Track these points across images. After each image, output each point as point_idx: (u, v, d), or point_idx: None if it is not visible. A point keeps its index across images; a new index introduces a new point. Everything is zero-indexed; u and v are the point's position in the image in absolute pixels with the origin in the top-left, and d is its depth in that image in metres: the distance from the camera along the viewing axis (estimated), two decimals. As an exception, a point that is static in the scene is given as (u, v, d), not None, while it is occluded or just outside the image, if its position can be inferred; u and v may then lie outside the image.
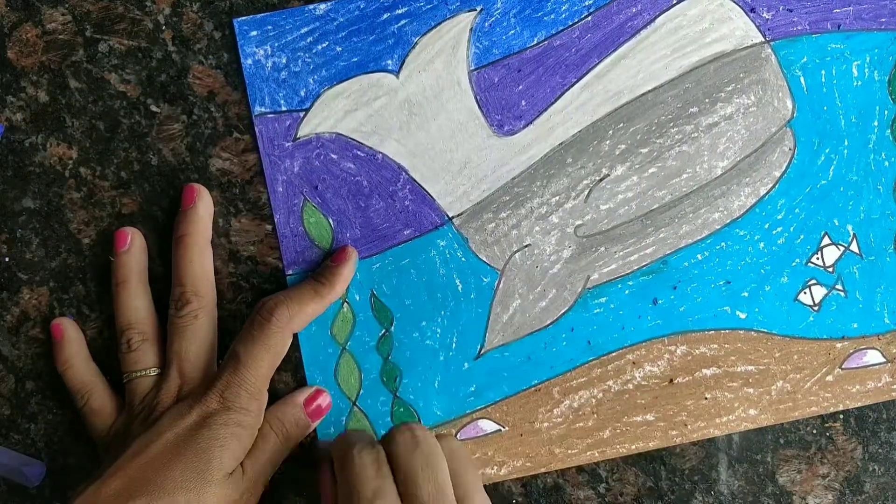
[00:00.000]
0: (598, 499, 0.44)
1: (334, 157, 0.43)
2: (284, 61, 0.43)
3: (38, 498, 0.44)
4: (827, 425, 0.43)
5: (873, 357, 0.43)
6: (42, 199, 0.43)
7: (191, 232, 0.42)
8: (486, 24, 0.43)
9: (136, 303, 0.42)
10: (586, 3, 0.43)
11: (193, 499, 0.37)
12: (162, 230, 0.43)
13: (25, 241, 0.43)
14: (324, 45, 0.43)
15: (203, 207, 0.42)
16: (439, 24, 0.43)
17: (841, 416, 0.43)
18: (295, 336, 0.43)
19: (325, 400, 0.42)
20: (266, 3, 0.43)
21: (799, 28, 0.43)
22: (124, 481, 0.37)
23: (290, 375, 0.43)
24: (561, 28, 0.43)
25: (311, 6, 0.43)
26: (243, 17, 0.43)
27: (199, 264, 0.42)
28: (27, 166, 0.43)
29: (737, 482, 0.44)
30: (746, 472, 0.44)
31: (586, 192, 0.43)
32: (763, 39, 0.43)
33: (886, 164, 0.43)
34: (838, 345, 0.43)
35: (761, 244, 0.43)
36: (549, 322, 0.43)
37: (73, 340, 0.43)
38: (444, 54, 0.43)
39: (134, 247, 0.42)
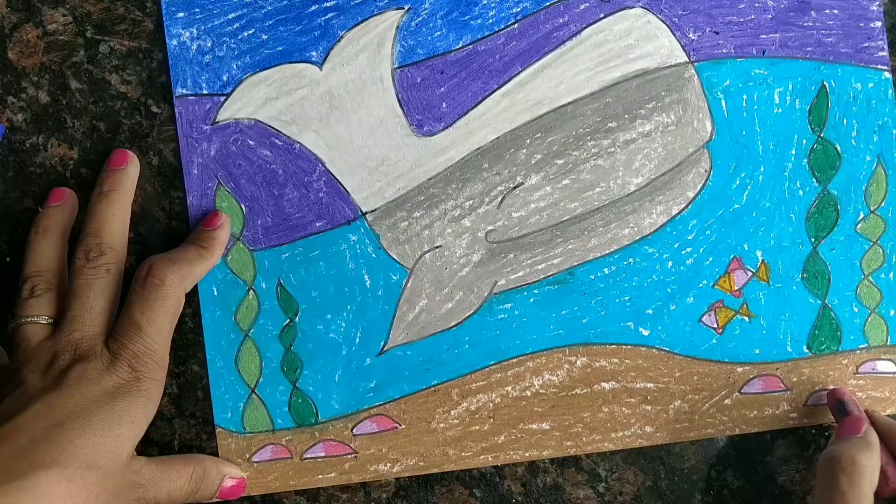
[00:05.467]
0: (598, 498, 0.44)
1: (251, 143, 0.43)
2: (209, 45, 0.43)
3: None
4: (826, 425, 0.43)
5: (885, 367, 0.43)
6: (43, 200, 0.43)
7: (118, 189, 0.42)
8: (413, 23, 0.43)
9: (51, 253, 0.41)
10: (513, 11, 0.43)
11: (100, 479, 0.36)
12: (159, 228, 0.44)
13: (26, 241, 0.43)
14: (250, 31, 0.43)
15: (133, 170, 0.43)
16: (366, 19, 0.43)
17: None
18: (197, 318, 0.43)
19: (240, 492, 0.43)
20: None
21: (724, 51, 0.43)
22: (28, 440, 0.35)
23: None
24: (487, 33, 0.43)
25: (241, -8, 0.43)
26: (171, -2, 0.43)
27: (121, 220, 0.42)
28: (28, 167, 0.43)
29: (736, 482, 0.44)
30: (746, 472, 0.44)
31: (500, 199, 0.43)
32: (687, 59, 0.43)
33: (801, 193, 0.43)
34: (739, 369, 0.43)
35: (669, 263, 0.43)
36: (453, 324, 0.43)
37: None
38: (369, 50, 0.43)
39: (66, 204, 0.42)
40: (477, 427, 0.43)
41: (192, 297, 0.43)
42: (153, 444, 0.44)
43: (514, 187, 0.43)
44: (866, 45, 0.43)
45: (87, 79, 0.43)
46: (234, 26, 0.43)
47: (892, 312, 0.43)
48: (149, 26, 0.43)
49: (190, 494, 0.41)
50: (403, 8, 0.43)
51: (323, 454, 0.43)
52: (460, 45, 0.43)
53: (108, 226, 0.41)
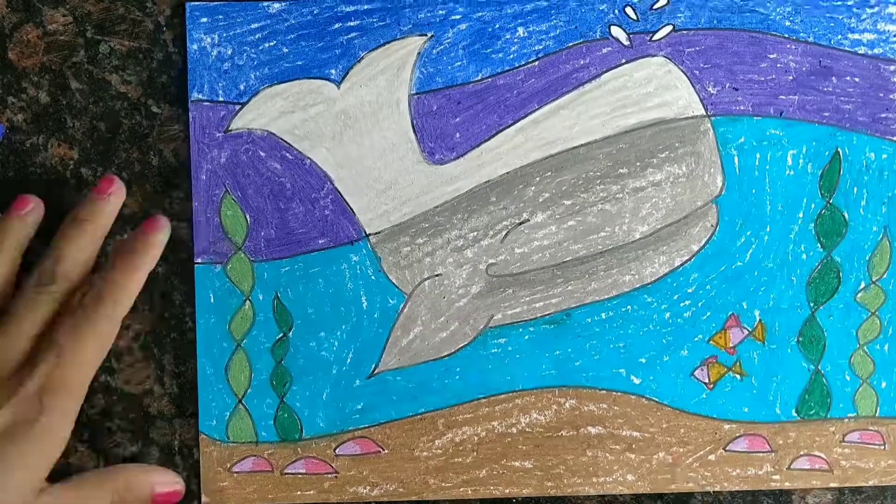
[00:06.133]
0: (598, 498, 0.44)
1: (262, 154, 0.43)
2: (230, 53, 0.43)
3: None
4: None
5: (872, 438, 0.43)
6: (43, 200, 0.43)
7: (93, 220, 0.40)
8: (435, 51, 0.43)
9: (1, 269, 0.39)
10: (536, 48, 0.43)
11: None
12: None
13: None
14: (271, 43, 0.43)
15: (116, 200, 0.41)
16: (389, 42, 0.43)
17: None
18: (192, 323, 0.43)
19: (176, 498, 0.41)
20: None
21: (741, 108, 0.43)
22: None
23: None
24: (507, 68, 0.43)
25: (266, 3, 0.43)
26: (196, 3, 0.43)
27: (87, 253, 0.40)
28: (28, 167, 0.43)
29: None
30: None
31: (504, 233, 0.43)
32: (704, 113, 0.43)
33: (804, 257, 0.43)
34: (726, 426, 0.43)
35: (667, 314, 0.43)
36: (446, 353, 0.43)
37: None
38: (388, 73, 0.43)
39: (29, 217, 0.40)
40: (459, 459, 0.43)
41: (189, 301, 0.43)
42: (153, 445, 0.43)
43: (520, 223, 0.43)
44: (884, 115, 0.43)
45: (87, 79, 0.43)
46: (256, 36, 0.43)
47: (883, 384, 0.43)
48: (149, 26, 0.43)
49: None
50: (426, 35, 0.43)
51: (304, 471, 0.43)
52: (479, 78, 0.43)
53: (72, 255, 0.39)
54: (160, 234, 0.41)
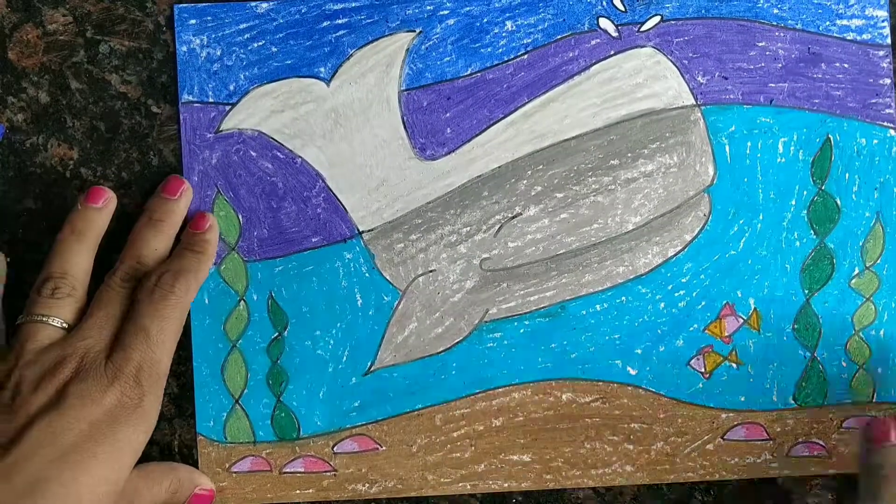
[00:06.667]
0: (598, 498, 0.44)
1: (253, 154, 0.43)
2: (219, 53, 0.43)
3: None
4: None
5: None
6: (43, 200, 0.43)
7: (167, 220, 0.42)
8: (424, 47, 0.43)
9: (81, 258, 0.41)
10: (524, 42, 0.43)
11: None
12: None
13: (27, 241, 0.43)
14: (260, 43, 0.43)
15: (185, 201, 0.42)
16: (377, 39, 0.43)
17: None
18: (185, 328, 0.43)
19: (210, 500, 0.43)
20: None
21: (731, 97, 0.43)
22: (35, 476, 0.35)
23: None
24: (496, 62, 0.43)
25: (254, 3, 0.43)
26: (184, 5, 0.43)
27: (163, 252, 0.41)
28: (28, 167, 0.43)
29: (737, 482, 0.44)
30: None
31: (497, 227, 0.43)
32: (694, 103, 0.43)
33: (798, 244, 0.43)
34: (723, 415, 0.43)
35: (662, 304, 0.43)
36: (441, 349, 0.43)
37: None
38: (378, 70, 0.43)
39: (107, 208, 0.42)
40: (458, 454, 0.43)
41: (183, 303, 0.43)
42: (154, 444, 0.43)
43: (512, 217, 0.43)
44: (874, 101, 0.43)
45: (87, 79, 0.43)
46: (245, 37, 0.43)
47: (879, 370, 0.43)
48: (149, 26, 0.43)
49: None
50: (415, 31, 0.43)
51: (302, 469, 0.43)
52: (469, 73, 0.43)
53: (150, 255, 0.41)
54: (211, 233, 0.43)
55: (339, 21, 0.43)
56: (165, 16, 0.43)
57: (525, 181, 0.43)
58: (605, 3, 0.43)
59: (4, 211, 0.43)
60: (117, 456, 0.37)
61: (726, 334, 0.43)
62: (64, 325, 0.39)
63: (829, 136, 0.43)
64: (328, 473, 0.43)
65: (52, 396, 0.37)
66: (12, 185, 0.43)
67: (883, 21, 0.43)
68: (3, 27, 0.43)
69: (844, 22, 0.43)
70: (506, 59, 0.43)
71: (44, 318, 0.39)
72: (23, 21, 0.43)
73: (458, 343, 0.43)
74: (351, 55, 0.43)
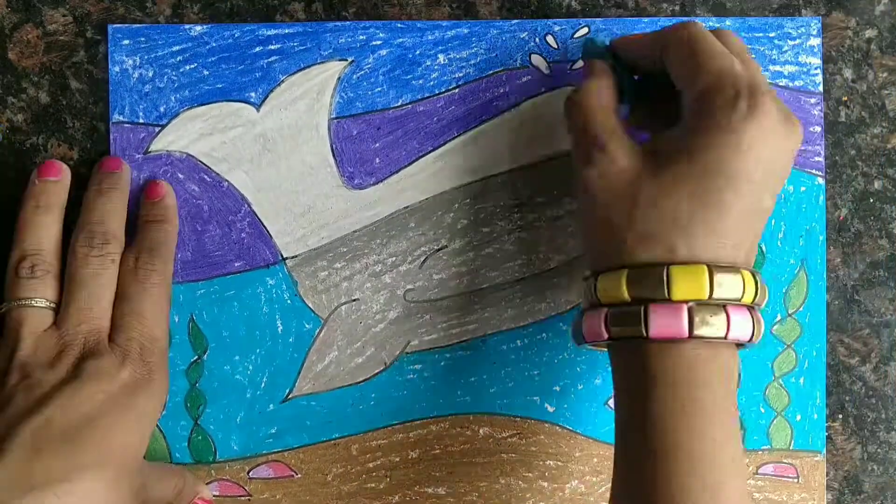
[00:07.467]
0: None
1: (181, 176, 0.43)
2: (150, 75, 0.43)
3: None
4: (826, 424, 0.43)
5: (785, 471, 0.43)
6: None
7: (117, 188, 0.41)
8: (355, 76, 0.43)
9: (51, 232, 0.40)
10: (456, 76, 0.43)
11: (128, 481, 0.36)
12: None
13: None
14: (192, 66, 0.43)
15: (126, 175, 0.42)
16: (309, 66, 0.43)
17: (840, 416, 0.44)
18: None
19: None
20: (266, 4, 0.43)
21: (661, 139, 0.43)
22: (62, 438, 0.35)
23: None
24: (427, 95, 0.43)
25: (188, 26, 0.43)
26: (118, 25, 0.43)
27: (120, 215, 0.41)
28: (28, 167, 0.43)
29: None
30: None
31: (422, 259, 0.43)
32: (623, 143, 0.43)
33: (721, 287, 0.43)
34: (640, 456, 0.43)
35: (582, 343, 0.43)
36: (361, 379, 0.43)
37: None
38: (308, 97, 0.43)
39: (64, 180, 0.41)
40: (373, 485, 0.43)
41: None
42: None
43: (438, 249, 0.43)
44: (804, 148, 0.43)
45: (87, 79, 0.43)
46: (178, 59, 0.43)
47: (798, 417, 0.43)
48: (150, 26, 0.43)
49: None
50: (347, 60, 0.43)
51: (217, 493, 0.43)
52: (399, 104, 0.43)
53: (110, 217, 0.41)
54: (168, 198, 0.42)
55: (272, 47, 0.43)
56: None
57: (452, 214, 0.43)
58: (538, 40, 0.43)
59: (5, 211, 0.42)
60: (139, 424, 0.37)
61: (646, 375, 0.43)
62: (51, 305, 0.39)
63: (757, 181, 0.43)
64: (243, 498, 0.43)
65: (65, 376, 0.37)
66: (12, 185, 0.43)
67: (816, 68, 0.44)
68: (3, 27, 0.43)
69: (778, 68, 0.44)
70: (437, 92, 0.43)
71: (28, 302, 0.39)
72: (23, 21, 0.43)
73: (378, 374, 0.43)
74: (282, 81, 0.43)
